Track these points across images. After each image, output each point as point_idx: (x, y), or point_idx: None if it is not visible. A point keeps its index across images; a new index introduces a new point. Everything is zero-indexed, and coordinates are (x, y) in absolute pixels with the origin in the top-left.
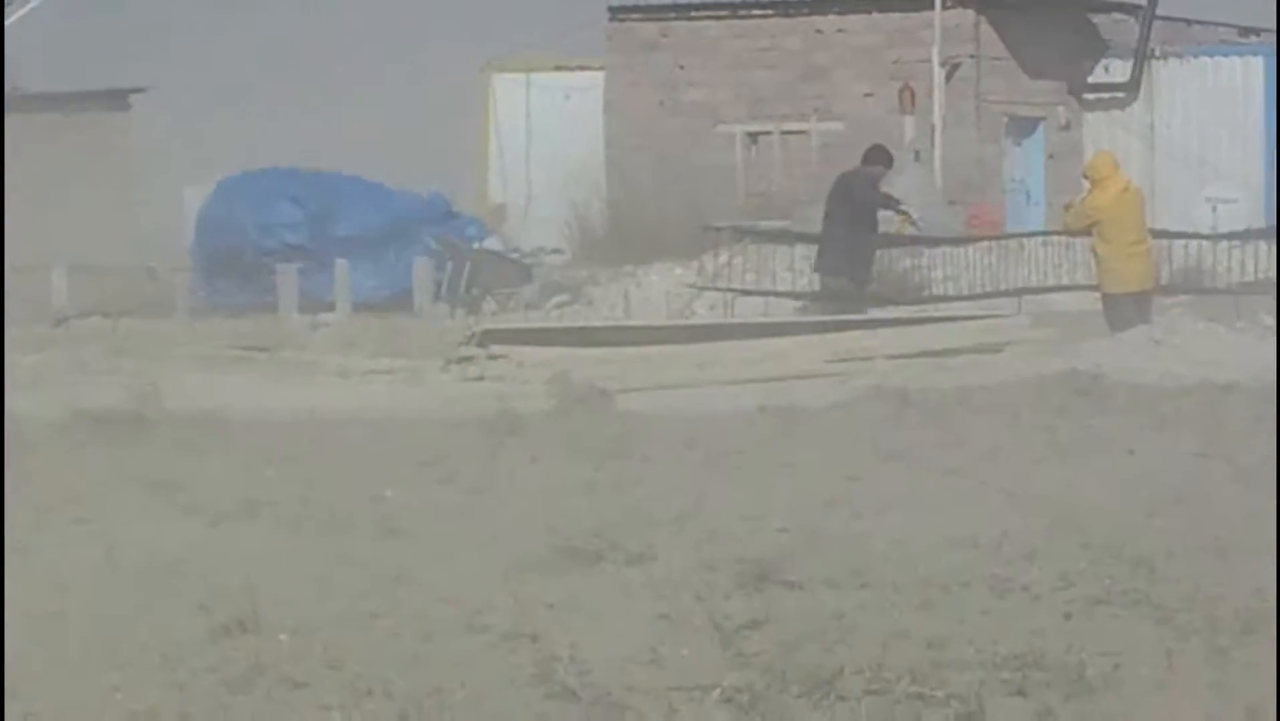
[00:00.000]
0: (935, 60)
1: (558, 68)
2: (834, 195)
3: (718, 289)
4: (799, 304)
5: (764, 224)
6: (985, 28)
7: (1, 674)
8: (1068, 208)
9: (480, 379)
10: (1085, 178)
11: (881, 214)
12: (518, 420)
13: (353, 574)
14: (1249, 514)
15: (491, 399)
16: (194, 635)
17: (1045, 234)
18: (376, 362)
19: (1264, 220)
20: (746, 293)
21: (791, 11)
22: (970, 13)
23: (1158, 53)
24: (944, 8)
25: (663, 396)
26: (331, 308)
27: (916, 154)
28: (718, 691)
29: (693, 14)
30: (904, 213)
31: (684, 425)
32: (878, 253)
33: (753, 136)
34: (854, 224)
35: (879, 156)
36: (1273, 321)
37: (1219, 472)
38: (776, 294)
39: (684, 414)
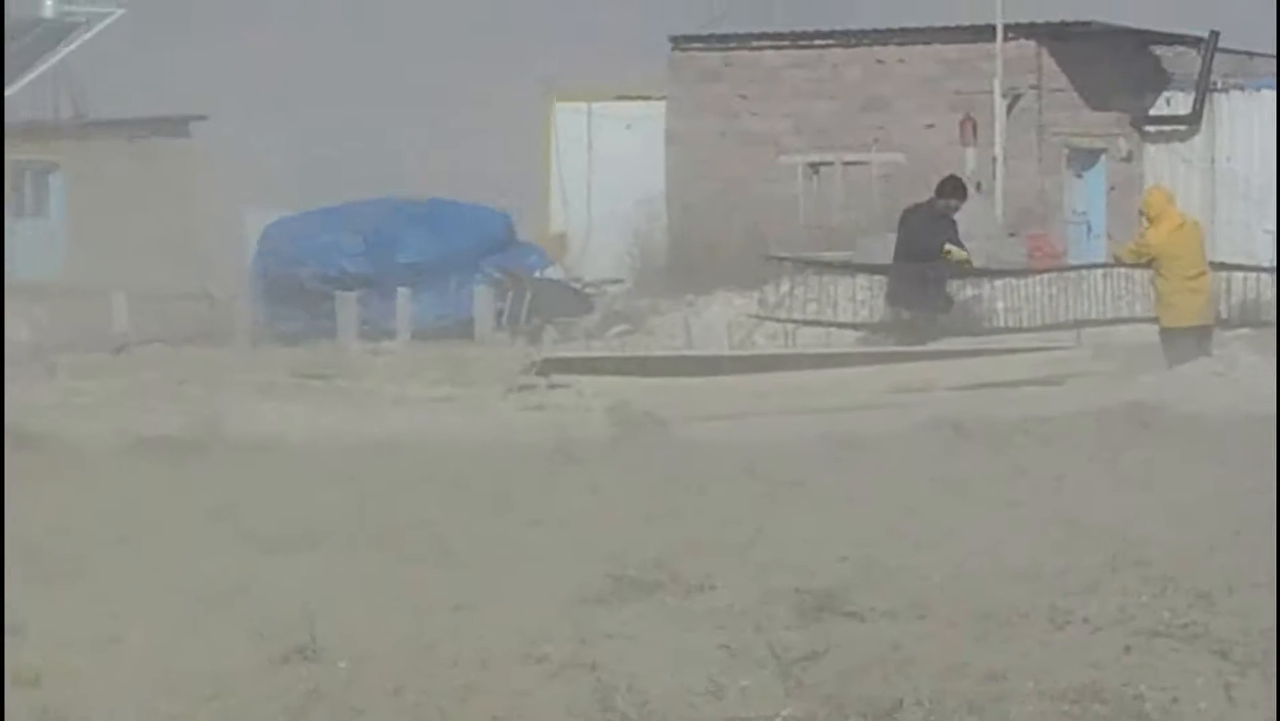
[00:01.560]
0: (997, 91)
1: (619, 96)
2: (905, 225)
3: (778, 319)
4: (860, 334)
5: (825, 255)
6: (1047, 59)
7: (1, 674)
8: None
9: (540, 408)
10: (1141, 214)
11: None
12: (577, 449)
13: (411, 602)
14: None
15: (551, 427)
16: (254, 662)
17: (1106, 266)
18: (436, 390)
19: None
20: (807, 323)
21: (852, 42)
22: (1032, 44)
23: (1219, 85)
24: (1005, 39)
25: (722, 426)
26: (392, 335)
27: (978, 185)
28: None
29: (754, 44)
30: (959, 252)
31: (743, 455)
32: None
33: (814, 167)
34: (925, 255)
35: (954, 189)
36: None
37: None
38: (837, 324)
39: (743, 443)
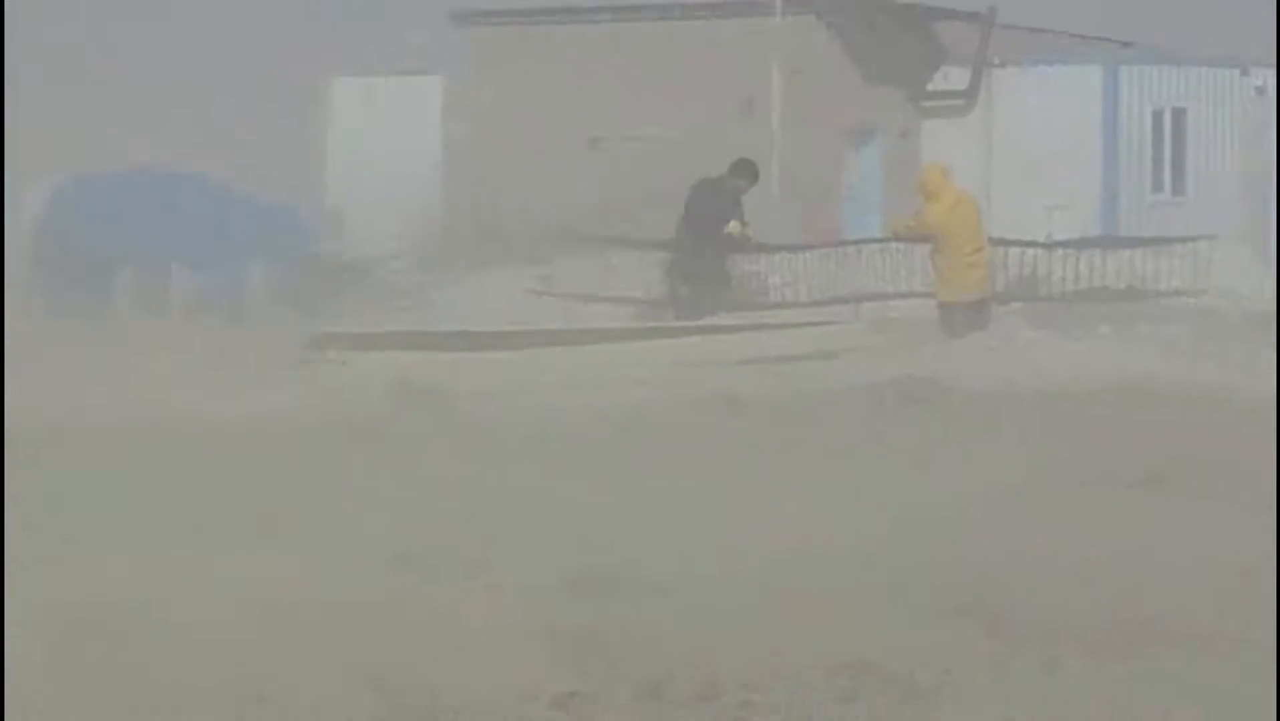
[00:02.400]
0: (775, 66)
1: (400, 73)
2: (691, 201)
3: (560, 295)
4: (639, 310)
5: (606, 230)
6: (825, 35)
7: (1, 673)
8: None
9: (318, 383)
10: (918, 190)
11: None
12: (357, 425)
13: (186, 572)
14: (1086, 523)
15: (330, 403)
16: None
17: (883, 241)
18: (213, 368)
19: (1099, 229)
20: (588, 299)
21: (632, 17)
22: (810, 19)
23: (997, 61)
24: (784, 14)
25: (504, 401)
26: (166, 311)
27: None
28: (548, 697)
29: (536, 20)
30: (739, 228)
31: (524, 430)
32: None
33: (595, 142)
34: (709, 231)
35: (745, 171)
36: (1108, 330)
37: (1054, 481)
38: (618, 300)
39: (525, 419)
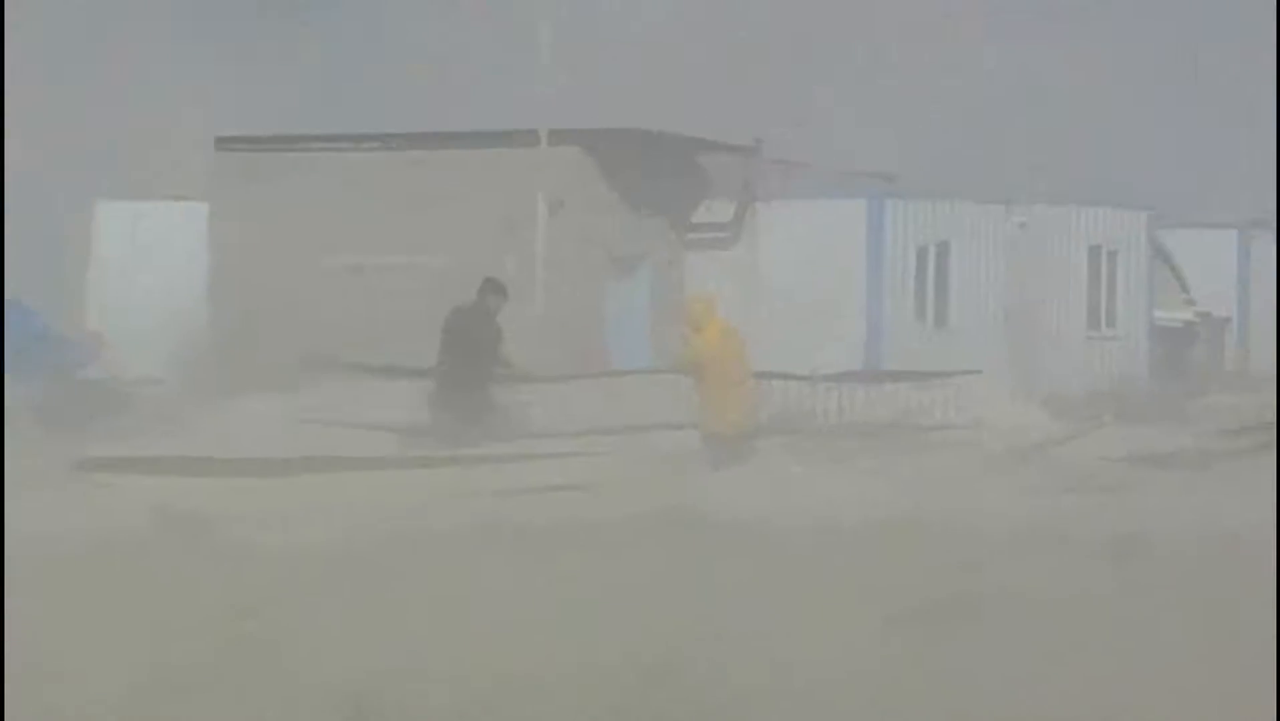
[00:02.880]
0: (540, 196)
1: (164, 197)
2: (448, 329)
3: (322, 421)
4: (401, 438)
5: (369, 357)
6: (590, 165)
7: (1, 673)
8: (678, 345)
9: (79, 507)
10: (683, 321)
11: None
12: (116, 548)
13: None
14: (851, 653)
15: (90, 527)
16: None
17: (647, 372)
18: None
19: (862, 362)
20: (351, 425)
21: (397, 145)
22: (576, 150)
23: (761, 194)
24: (550, 144)
25: (264, 528)
26: None
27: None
28: None
29: (298, 146)
30: (507, 355)
31: (283, 556)
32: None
33: (357, 269)
34: (468, 358)
35: (493, 289)
36: (869, 464)
37: (811, 612)
38: (382, 427)
39: (284, 545)
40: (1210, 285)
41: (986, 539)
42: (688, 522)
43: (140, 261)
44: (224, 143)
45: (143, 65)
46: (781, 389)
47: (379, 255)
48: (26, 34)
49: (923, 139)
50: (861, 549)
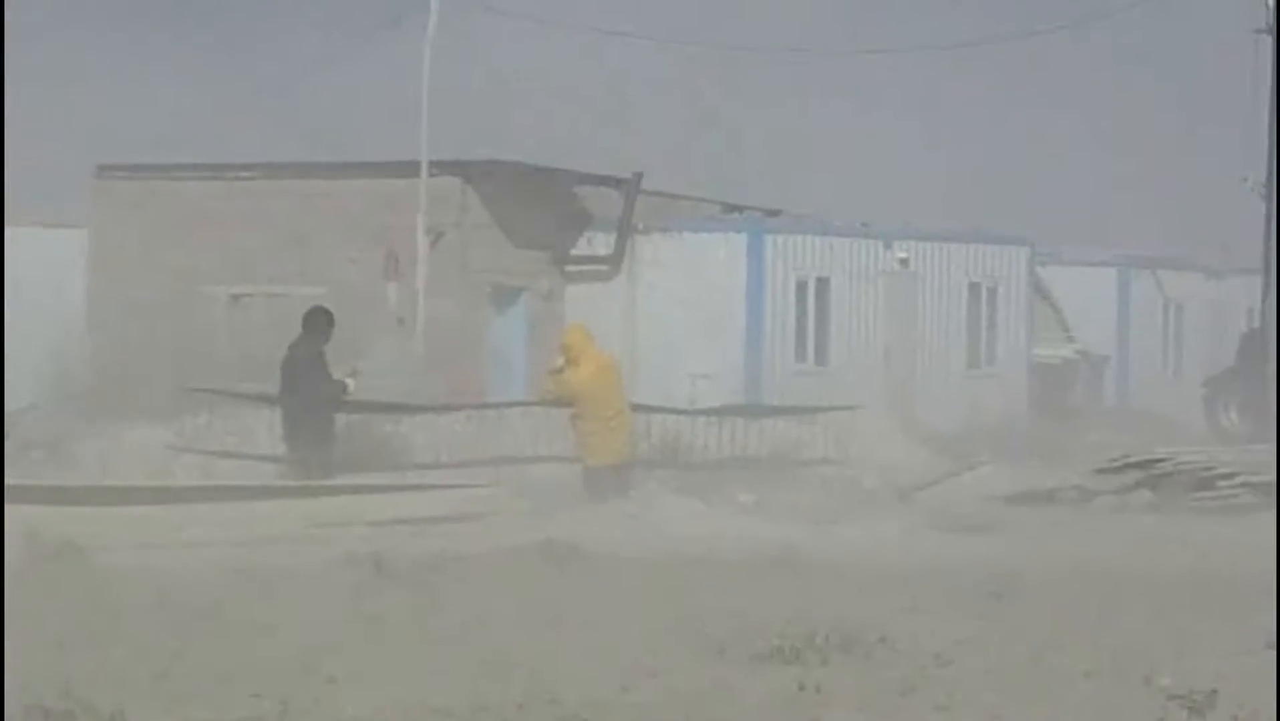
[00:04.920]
0: (420, 227)
1: (44, 225)
2: (287, 361)
3: (197, 450)
4: (278, 468)
5: (244, 387)
6: (471, 196)
7: (1, 673)
8: (551, 374)
9: None
10: (561, 353)
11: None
12: None
13: None
14: (719, 688)
15: None
16: None
17: (525, 404)
18: None
19: (742, 396)
20: (227, 455)
21: (277, 174)
22: (457, 181)
23: (642, 227)
24: (430, 175)
25: (140, 556)
26: None
27: (400, 321)
28: None
29: (177, 174)
30: (340, 382)
31: (159, 586)
32: (358, 418)
33: (236, 298)
34: (305, 389)
35: (317, 320)
36: (746, 499)
37: (691, 645)
38: (256, 457)
39: (160, 574)
40: (1090, 323)
41: (863, 576)
42: (563, 555)
43: (20, 288)
44: (106, 170)
45: (20, 90)
46: (660, 422)
47: (259, 285)
48: None
49: (805, 173)
50: (738, 584)
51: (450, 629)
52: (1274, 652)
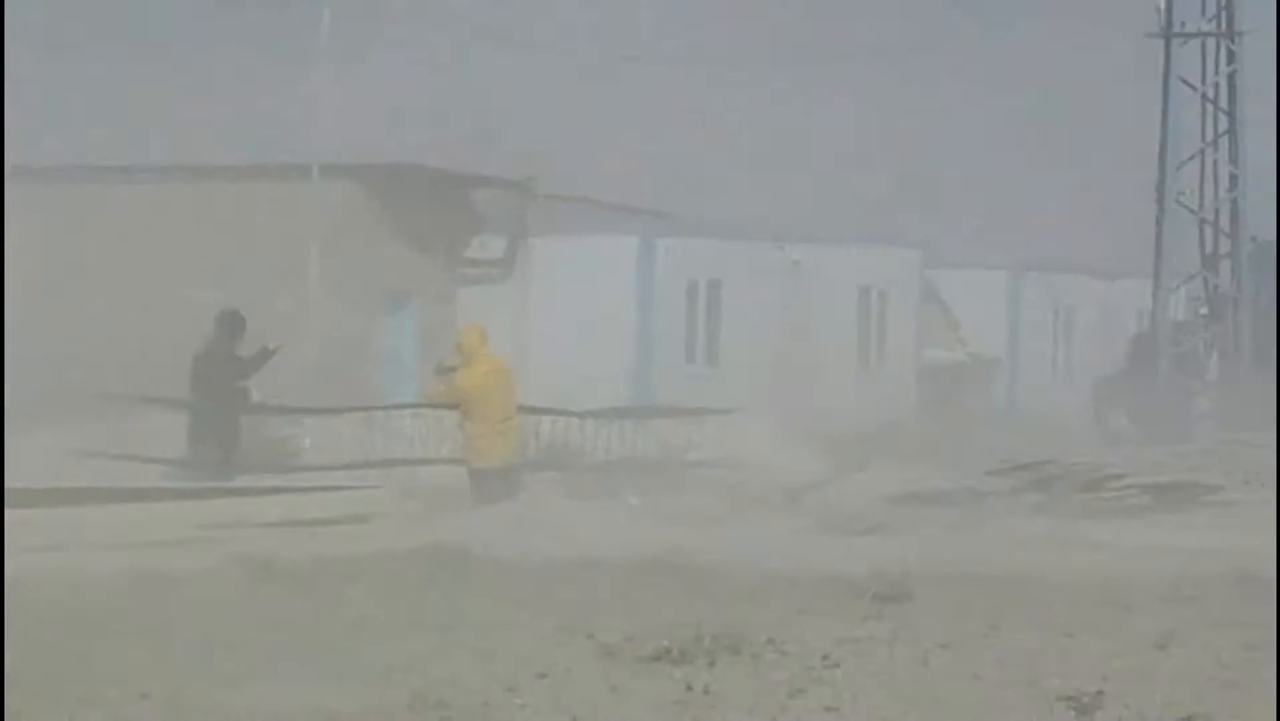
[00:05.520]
0: (312, 231)
1: None
2: (195, 365)
3: (97, 454)
4: (174, 469)
5: (149, 390)
6: (362, 198)
7: (1, 675)
8: (437, 372)
9: None
10: (455, 354)
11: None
12: None
13: None
14: (614, 690)
15: None
16: None
17: (415, 406)
18: None
19: (632, 399)
20: (126, 457)
21: (175, 178)
22: (347, 183)
23: (534, 230)
24: (321, 178)
25: (32, 559)
26: None
27: (293, 324)
28: None
29: (79, 176)
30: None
31: (52, 588)
32: (251, 419)
33: (135, 301)
34: (214, 391)
35: (230, 323)
36: (636, 501)
37: (580, 647)
38: (156, 460)
39: (52, 577)
40: (981, 326)
41: (752, 577)
42: (451, 558)
43: None
44: (15, 172)
45: None
46: (550, 424)
47: (160, 288)
48: None
49: (697, 175)
50: (626, 586)
51: (338, 631)
52: (1161, 653)
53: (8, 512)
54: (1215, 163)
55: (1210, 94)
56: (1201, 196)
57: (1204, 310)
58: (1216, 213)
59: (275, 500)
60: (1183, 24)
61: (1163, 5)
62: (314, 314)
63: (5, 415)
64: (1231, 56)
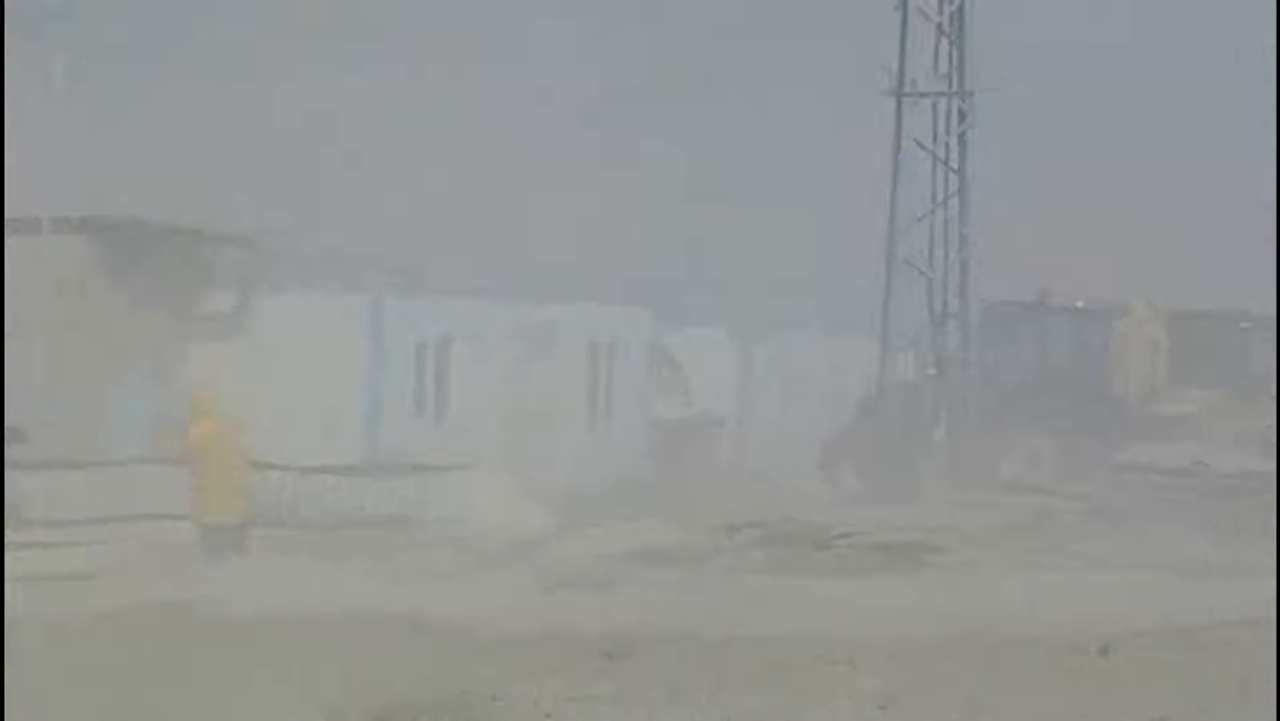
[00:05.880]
0: (43, 286)
1: None
2: None
3: None
4: None
5: None
6: (92, 253)
7: (1, 676)
8: (168, 429)
9: None
10: (187, 411)
11: None
12: None
13: None
14: None
15: None
16: None
17: (149, 461)
18: None
19: (361, 455)
20: None
21: None
22: (78, 239)
23: (265, 286)
24: (51, 233)
25: None
26: None
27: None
28: None
29: None
30: None
31: None
32: None
33: None
34: None
35: None
36: (362, 559)
37: (308, 704)
38: None
39: None
40: (710, 384)
41: (481, 635)
42: (180, 615)
43: None
44: None
45: None
46: (279, 480)
47: None
48: None
49: (435, 232)
50: (353, 644)
51: (69, 688)
52: (881, 714)
53: None
54: (945, 222)
55: (940, 154)
56: (931, 256)
57: (932, 370)
58: (945, 273)
59: (9, 555)
60: (913, 82)
61: (895, 69)
62: (41, 368)
63: None
64: (963, 116)
